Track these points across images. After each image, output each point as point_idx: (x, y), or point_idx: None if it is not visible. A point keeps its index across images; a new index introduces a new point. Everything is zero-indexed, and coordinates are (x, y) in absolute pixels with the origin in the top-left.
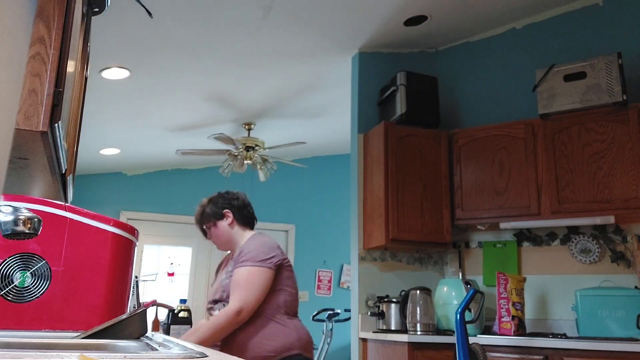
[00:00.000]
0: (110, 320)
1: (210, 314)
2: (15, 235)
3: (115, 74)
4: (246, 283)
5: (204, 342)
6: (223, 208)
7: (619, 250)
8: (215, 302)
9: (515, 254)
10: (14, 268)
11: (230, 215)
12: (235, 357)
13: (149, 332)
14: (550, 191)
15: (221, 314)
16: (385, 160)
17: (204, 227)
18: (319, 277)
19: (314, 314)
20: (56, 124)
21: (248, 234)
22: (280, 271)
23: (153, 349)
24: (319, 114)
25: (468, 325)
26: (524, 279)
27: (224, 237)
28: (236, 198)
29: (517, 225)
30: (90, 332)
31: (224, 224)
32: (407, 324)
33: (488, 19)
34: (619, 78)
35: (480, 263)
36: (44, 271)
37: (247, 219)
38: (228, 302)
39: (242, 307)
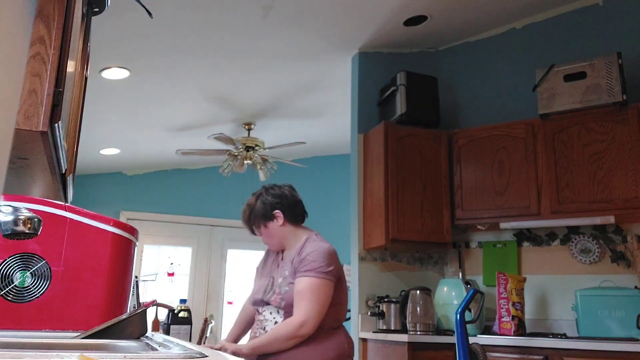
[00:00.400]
0: (110, 320)
1: (258, 313)
2: (15, 235)
3: (115, 74)
4: (310, 295)
5: (262, 350)
6: (273, 209)
7: (619, 250)
8: (265, 303)
9: (515, 254)
10: (14, 268)
11: (281, 215)
12: (236, 358)
13: (149, 332)
14: (550, 191)
15: (283, 325)
16: (385, 160)
17: (253, 227)
18: None
19: None
20: (56, 124)
21: (302, 233)
22: (340, 283)
23: (153, 349)
24: (319, 114)
25: (468, 325)
26: (524, 279)
27: (276, 238)
28: (285, 196)
29: (517, 225)
30: (90, 332)
31: (274, 225)
32: (407, 324)
33: (488, 19)
34: (619, 78)
35: (480, 263)
36: (44, 271)
37: (298, 217)
38: (279, 309)
39: (305, 321)
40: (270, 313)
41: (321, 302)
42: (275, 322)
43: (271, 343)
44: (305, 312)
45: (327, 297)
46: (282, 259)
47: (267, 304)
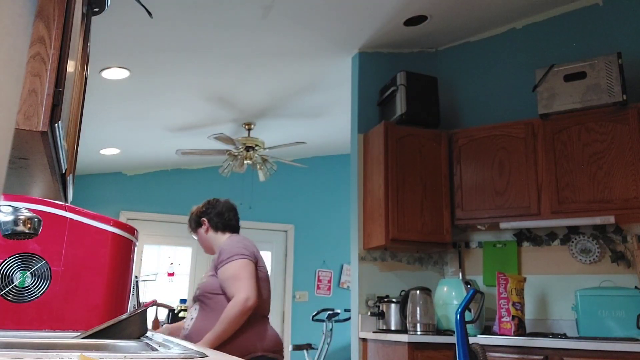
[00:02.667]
0: (110, 320)
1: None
2: (15, 235)
3: (115, 74)
4: (241, 274)
5: (221, 336)
6: (200, 217)
7: (619, 250)
8: (193, 300)
9: (515, 254)
10: (14, 268)
11: (206, 222)
12: (235, 357)
13: (149, 332)
14: (550, 191)
15: (230, 306)
16: (385, 160)
17: (192, 234)
18: (318, 277)
19: (314, 314)
20: (56, 124)
21: (225, 237)
22: (258, 265)
23: (153, 349)
24: (319, 114)
25: (468, 325)
26: (524, 279)
27: (204, 242)
28: (214, 206)
29: (517, 225)
30: (90, 332)
31: (201, 231)
32: (407, 324)
33: (488, 19)
34: (619, 78)
35: (480, 263)
36: (44, 271)
37: (225, 224)
38: (203, 300)
39: (248, 295)
40: (193, 310)
41: (252, 277)
42: (192, 318)
43: (226, 328)
44: (243, 288)
45: (254, 273)
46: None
47: (196, 300)
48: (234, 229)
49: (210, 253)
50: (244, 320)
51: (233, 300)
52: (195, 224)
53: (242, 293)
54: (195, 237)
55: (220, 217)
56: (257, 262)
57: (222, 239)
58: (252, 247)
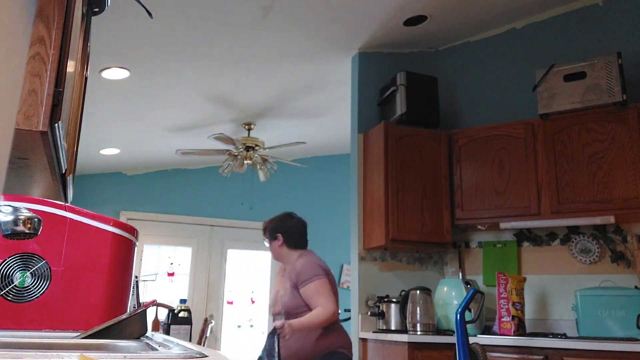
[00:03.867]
0: (110, 320)
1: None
2: (15, 235)
3: (115, 74)
4: (324, 292)
5: (308, 326)
6: (276, 231)
7: (619, 250)
8: (277, 313)
9: (515, 254)
10: (14, 268)
11: (281, 238)
12: (232, 357)
13: (149, 332)
14: (550, 191)
15: (322, 312)
16: (385, 160)
17: (265, 242)
18: None
19: None
20: (56, 124)
21: (296, 254)
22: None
23: (153, 349)
24: (319, 114)
25: (468, 325)
26: (524, 279)
27: (275, 253)
28: (289, 226)
29: (517, 225)
30: (90, 332)
31: (275, 244)
32: (407, 324)
33: (488, 19)
34: (618, 78)
35: (480, 263)
36: (44, 271)
37: (297, 243)
38: (285, 317)
39: (335, 309)
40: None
41: (333, 294)
42: None
43: (314, 324)
44: (329, 303)
45: (332, 289)
46: (283, 275)
47: (278, 314)
48: (304, 246)
49: (278, 261)
50: (325, 325)
51: (324, 309)
52: (270, 236)
53: (330, 307)
54: (267, 245)
55: (294, 236)
56: (329, 277)
57: (293, 256)
58: (324, 265)
